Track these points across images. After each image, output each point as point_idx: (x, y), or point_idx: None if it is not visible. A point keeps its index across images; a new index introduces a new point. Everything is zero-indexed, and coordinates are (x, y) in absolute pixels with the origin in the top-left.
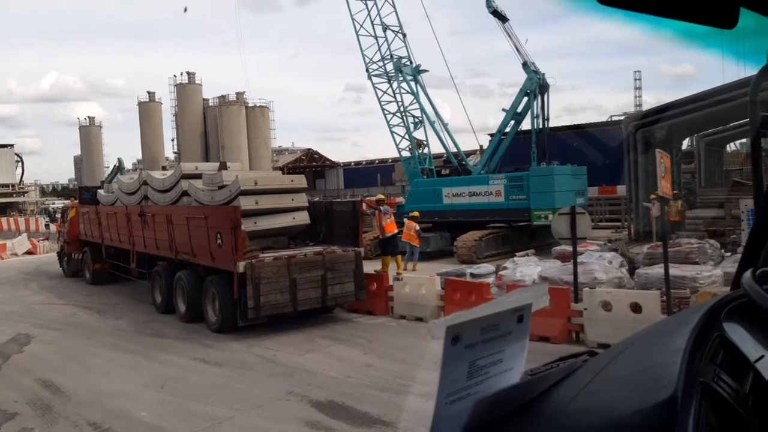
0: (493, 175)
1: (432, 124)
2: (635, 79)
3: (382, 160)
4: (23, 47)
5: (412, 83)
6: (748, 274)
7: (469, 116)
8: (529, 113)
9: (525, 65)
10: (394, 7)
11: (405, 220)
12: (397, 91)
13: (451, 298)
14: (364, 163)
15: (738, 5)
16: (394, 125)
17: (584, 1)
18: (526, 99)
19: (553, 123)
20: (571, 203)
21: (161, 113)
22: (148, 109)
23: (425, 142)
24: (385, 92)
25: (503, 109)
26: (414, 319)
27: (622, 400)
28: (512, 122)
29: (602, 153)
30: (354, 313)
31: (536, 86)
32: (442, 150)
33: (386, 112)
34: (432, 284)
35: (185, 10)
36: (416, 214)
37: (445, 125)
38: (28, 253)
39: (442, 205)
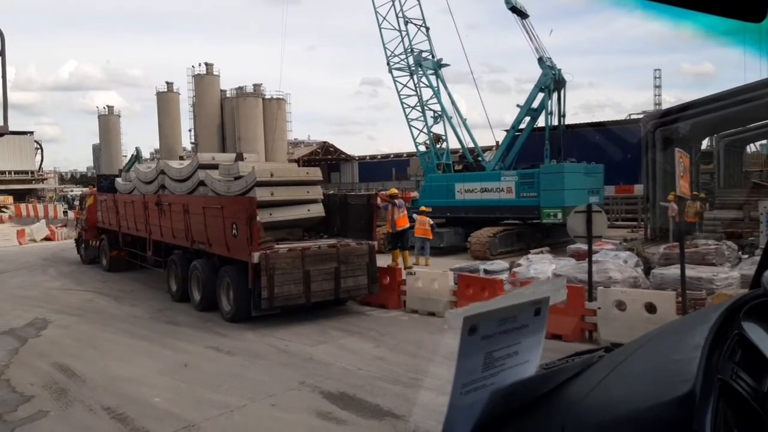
0: (504, 171)
1: (449, 119)
2: (655, 78)
3: (397, 155)
4: (43, 35)
5: (433, 77)
6: (767, 273)
7: (486, 112)
8: (545, 109)
9: (540, 60)
10: (418, 0)
11: (415, 216)
12: (419, 84)
13: (464, 294)
14: (379, 157)
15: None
16: (413, 119)
17: None
18: (541, 95)
19: (571, 120)
20: (583, 202)
21: (179, 103)
22: (166, 99)
23: (444, 137)
24: (405, 85)
25: (518, 105)
26: (426, 314)
27: (639, 395)
28: (528, 118)
29: (620, 151)
30: (367, 306)
31: (551, 82)
32: (465, 145)
33: (405, 106)
34: (445, 279)
35: None
36: (426, 209)
37: (463, 120)
38: (47, 239)
39: (455, 200)
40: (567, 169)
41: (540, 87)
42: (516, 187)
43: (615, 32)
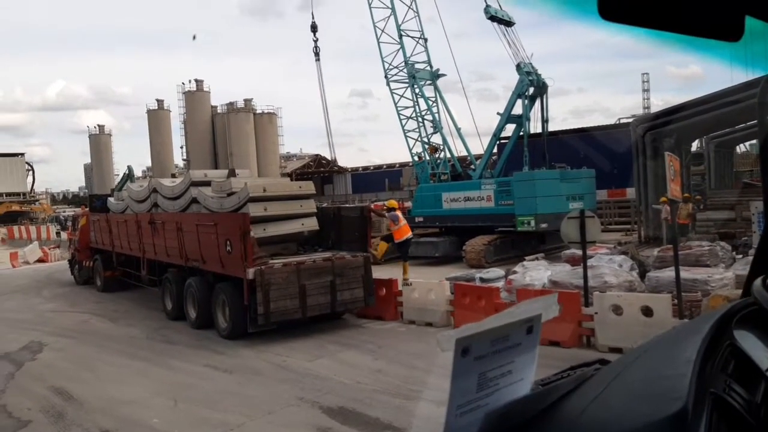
0: (484, 180)
1: (440, 129)
2: (643, 81)
3: (389, 165)
4: (28, 56)
5: (429, 87)
6: (758, 281)
7: (475, 120)
8: (524, 116)
9: (519, 67)
10: (417, 13)
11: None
12: (419, 95)
13: (461, 303)
14: (371, 168)
15: (743, 16)
16: (410, 130)
17: (586, 15)
18: (521, 102)
19: (561, 126)
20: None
21: (170, 121)
22: (157, 117)
23: (441, 147)
24: (402, 96)
25: (498, 113)
26: (424, 324)
27: (633, 413)
28: (513, 126)
29: (611, 156)
30: (363, 318)
31: (527, 88)
32: (455, 155)
33: (402, 117)
34: (441, 289)
35: (194, 37)
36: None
37: (457, 129)
38: (40, 261)
39: (442, 210)
40: (538, 176)
41: (517, 93)
42: (495, 195)
43: (600, 40)
